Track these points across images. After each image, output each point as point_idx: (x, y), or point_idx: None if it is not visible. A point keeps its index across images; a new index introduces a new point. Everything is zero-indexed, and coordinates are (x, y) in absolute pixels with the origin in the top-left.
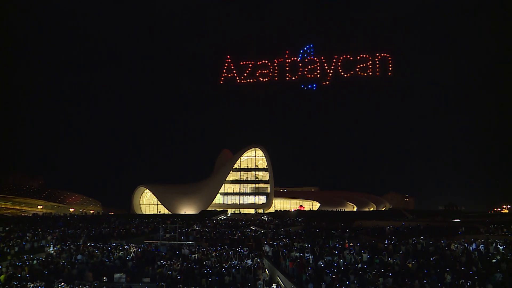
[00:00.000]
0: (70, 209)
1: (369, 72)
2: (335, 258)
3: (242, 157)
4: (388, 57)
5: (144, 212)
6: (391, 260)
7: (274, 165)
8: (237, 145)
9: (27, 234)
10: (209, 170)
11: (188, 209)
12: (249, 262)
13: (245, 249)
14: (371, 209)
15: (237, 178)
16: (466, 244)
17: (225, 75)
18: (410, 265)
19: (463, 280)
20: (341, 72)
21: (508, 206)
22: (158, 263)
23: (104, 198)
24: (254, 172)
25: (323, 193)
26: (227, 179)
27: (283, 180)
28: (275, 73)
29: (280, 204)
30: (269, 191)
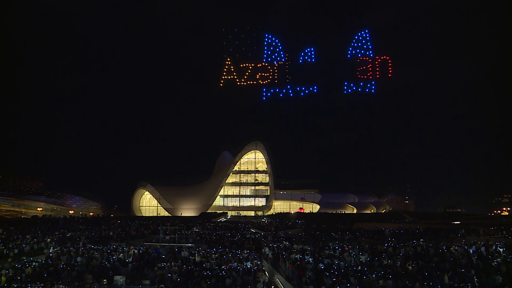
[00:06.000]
0: (70, 211)
1: (369, 75)
2: (335, 261)
3: (242, 159)
4: (388, 59)
5: (143, 214)
6: (391, 263)
7: (273, 167)
8: (238, 144)
9: (27, 236)
10: (209, 172)
11: (188, 212)
12: (249, 264)
13: (245, 251)
14: (371, 211)
15: (237, 180)
16: (466, 247)
17: (225, 77)
18: (410, 267)
19: (463, 284)
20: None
21: (508, 209)
22: (158, 265)
23: (104, 200)
24: (254, 174)
25: (323, 195)
26: (227, 182)
27: (283, 179)
28: (275, 75)
29: (280, 207)
30: (269, 193)
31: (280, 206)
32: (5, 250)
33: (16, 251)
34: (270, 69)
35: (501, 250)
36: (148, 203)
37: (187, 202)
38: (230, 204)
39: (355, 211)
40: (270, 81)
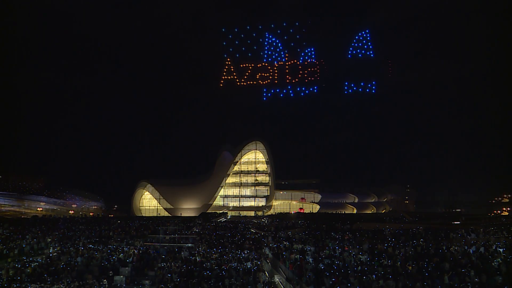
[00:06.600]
0: (70, 211)
1: (369, 75)
2: (335, 261)
3: (242, 159)
4: (388, 59)
5: (144, 215)
6: (391, 263)
7: (273, 167)
8: (238, 144)
9: (27, 236)
10: (209, 172)
11: (188, 212)
12: (249, 264)
13: (245, 251)
14: (371, 211)
15: (237, 180)
16: (466, 247)
17: (225, 78)
18: (410, 267)
19: (463, 284)
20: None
21: (508, 209)
22: (158, 265)
23: (104, 200)
24: (254, 174)
25: (323, 195)
26: (227, 182)
27: (283, 180)
28: (275, 76)
29: (280, 207)
30: (268, 194)
31: (280, 206)
32: (5, 250)
33: (16, 251)
34: (270, 69)
35: (501, 250)
36: (148, 203)
37: (187, 202)
38: (230, 204)
39: (355, 211)
40: (270, 81)
